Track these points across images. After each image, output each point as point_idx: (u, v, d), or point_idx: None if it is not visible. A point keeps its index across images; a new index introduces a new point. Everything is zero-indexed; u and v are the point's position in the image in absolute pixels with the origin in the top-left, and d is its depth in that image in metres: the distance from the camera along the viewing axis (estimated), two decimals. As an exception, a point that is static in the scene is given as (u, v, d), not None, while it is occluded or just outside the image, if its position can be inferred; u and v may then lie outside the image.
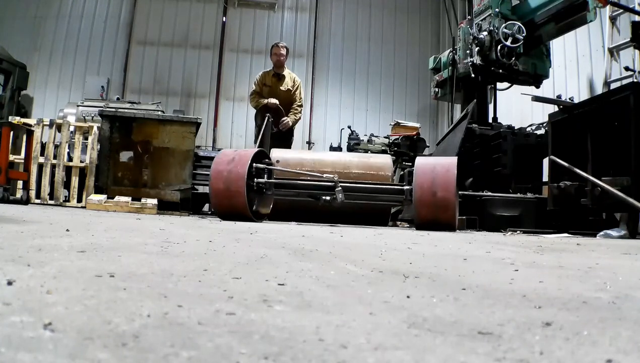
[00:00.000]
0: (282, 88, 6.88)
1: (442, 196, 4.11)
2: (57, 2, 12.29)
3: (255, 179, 4.61)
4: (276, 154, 5.48)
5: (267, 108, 6.58)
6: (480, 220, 5.50)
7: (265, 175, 4.76)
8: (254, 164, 4.52)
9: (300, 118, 7.10)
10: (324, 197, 4.58)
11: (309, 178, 4.91)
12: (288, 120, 6.77)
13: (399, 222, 6.45)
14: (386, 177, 5.41)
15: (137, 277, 0.84)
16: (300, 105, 7.08)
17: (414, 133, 8.91)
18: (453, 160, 4.46)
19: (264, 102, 6.68)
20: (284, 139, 6.88)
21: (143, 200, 5.97)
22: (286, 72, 7.03)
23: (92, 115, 8.29)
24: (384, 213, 5.78)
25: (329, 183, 4.61)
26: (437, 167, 4.31)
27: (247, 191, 4.37)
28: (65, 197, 6.88)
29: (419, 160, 4.51)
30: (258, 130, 6.44)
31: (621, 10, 6.69)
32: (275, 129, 6.62)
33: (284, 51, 6.93)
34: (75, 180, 6.77)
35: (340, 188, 4.54)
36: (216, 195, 4.44)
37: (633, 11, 6.18)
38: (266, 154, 4.91)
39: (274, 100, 6.64)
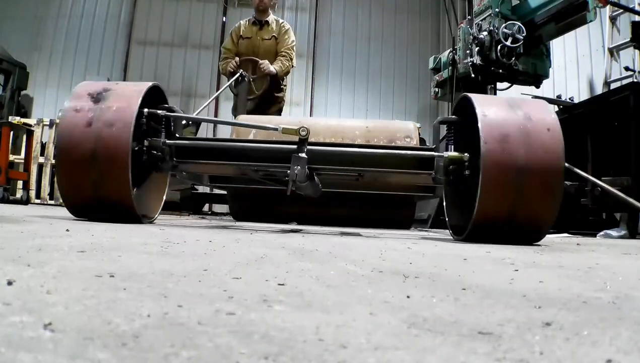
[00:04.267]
0: (264, 37, 5.13)
1: (543, 162, 2.19)
2: (57, 2, 12.29)
3: (147, 140, 2.61)
4: (243, 119, 3.75)
5: (239, 65, 4.93)
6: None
7: (163, 133, 2.69)
8: (145, 110, 2.50)
9: (289, 68, 5.13)
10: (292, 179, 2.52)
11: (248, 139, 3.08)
12: (268, 64, 4.91)
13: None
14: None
15: (137, 277, 0.84)
16: (289, 52, 5.12)
17: (414, 133, 8.90)
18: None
19: (234, 61, 4.95)
20: (268, 102, 5.06)
21: (143, 200, 5.96)
22: (271, 17, 5.25)
23: (92, 115, 8.28)
24: (405, 210, 4.04)
25: (291, 147, 2.55)
26: (526, 109, 2.37)
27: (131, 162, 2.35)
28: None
29: (478, 96, 2.52)
30: (236, 98, 4.91)
31: (621, 10, 6.69)
32: (255, 93, 4.95)
33: None
34: (75, 180, 6.77)
35: (303, 155, 2.46)
36: (68, 167, 2.40)
37: (633, 11, 6.18)
38: (164, 95, 2.79)
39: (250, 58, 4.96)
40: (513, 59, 6.35)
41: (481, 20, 6.64)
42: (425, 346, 0.51)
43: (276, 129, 2.54)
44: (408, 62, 13.27)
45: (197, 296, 0.71)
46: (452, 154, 2.62)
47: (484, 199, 2.24)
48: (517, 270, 1.25)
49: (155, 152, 2.68)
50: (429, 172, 2.68)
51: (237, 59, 5.01)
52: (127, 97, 2.46)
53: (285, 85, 5.34)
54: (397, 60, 13.29)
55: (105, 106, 2.42)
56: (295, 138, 2.55)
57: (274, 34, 5.16)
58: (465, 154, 2.56)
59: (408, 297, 0.80)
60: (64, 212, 3.04)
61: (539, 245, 2.43)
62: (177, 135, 2.84)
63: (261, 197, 3.99)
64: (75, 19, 12.35)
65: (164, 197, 3.04)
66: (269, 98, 5.11)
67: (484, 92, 6.99)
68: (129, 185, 2.37)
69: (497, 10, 6.42)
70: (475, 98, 2.44)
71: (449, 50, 7.56)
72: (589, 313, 0.72)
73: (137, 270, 0.93)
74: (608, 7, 6.39)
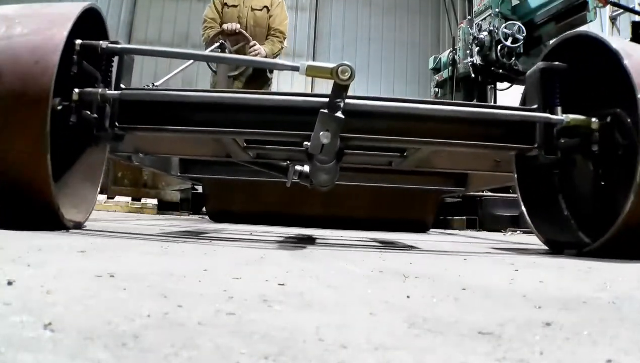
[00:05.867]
0: (254, 6, 4.36)
1: None
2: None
3: (76, 90, 1.64)
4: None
5: (223, 36, 4.13)
6: (480, 220, 5.50)
7: (100, 81, 1.76)
8: (78, 41, 1.64)
9: (280, 51, 4.44)
10: (297, 167, 1.96)
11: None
12: (260, 48, 4.18)
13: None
14: None
15: (137, 277, 0.84)
16: (283, 33, 4.43)
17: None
18: None
19: (218, 30, 4.22)
20: (260, 83, 4.31)
21: (143, 200, 5.99)
22: None
23: (92, 115, 8.28)
24: (427, 210, 3.51)
25: (317, 100, 1.64)
26: None
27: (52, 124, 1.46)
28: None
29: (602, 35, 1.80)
30: (214, 75, 4.17)
31: (621, 10, 6.70)
32: (237, 69, 4.14)
33: None
34: (75, 180, 6.78)
35: (339, 115, 1.55)
36: None
37: (633, 11, 6.19)
38: (104, 27, 1.85)
39: (232, 25, 4.17)
40: (513, 58, 6.36)
41: (481, 20, 6.65)
42: (425, 346, 0.51)
43: (297, 68, 1.61)
44: (408, 62, 13.28)
45: (197, 296, 0.71)
46: (574, 117, 1.70)
47: None
48: (517, 270, 1.25)
49: (88, 112, 1.66)
50: (527, 147, 1.79)
51: (231, 24, 4.19)
52: (48, 21, 1.55)
53: None
54: (397, 59, 13.29)
55: (13, 34, 1.50)
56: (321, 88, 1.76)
57: (266, 5, 4.37)
58: (594, 119, 1.70)
59: (408, 297, 0.80)
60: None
61: (540, 245, 2.41)
62: (122, 86, 1.79)
63: (248, 192, 3.36)
64: (75, 19, 12.35)
65: (99, 189, 2.03)
66: (260, 77, 4.30)
67: (484, 92, 7.00)
68: (47, 166, 1.46)
69: (497, 10, 6.43)
70: (606, 37, 1.71)
71: (449, 50, 7.57)
72: (589, 313, 0.71)
73: (137, 270, 0.93)
74: (608, 7, 6.39)
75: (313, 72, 1.61)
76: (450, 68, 7.21)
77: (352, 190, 3.02)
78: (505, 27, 6.24)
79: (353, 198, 3.41)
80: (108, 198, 5.90)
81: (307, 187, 2.00)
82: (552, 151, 1.75)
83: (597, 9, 5.76)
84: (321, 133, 1.54)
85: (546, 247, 1.95)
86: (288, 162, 2.00)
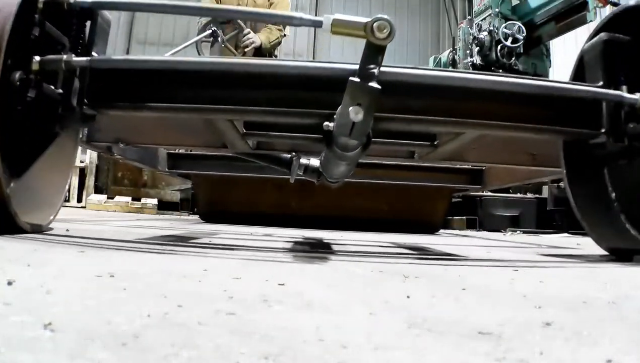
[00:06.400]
0: None
1: None
2: (57, 2, 12.28)
3: (36, 58, 1.29)
4: None
5: (216, 24, 3.88)
6: (480, 220, 5.51)
7: (68, 50, 1.43)
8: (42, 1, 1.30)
9: (279, 39, 4.14)
10: (302, 161, 1.79)
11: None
12: (254, 37, 3.93)
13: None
14: None
15: (137, 277, 0.84)
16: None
17: (414, 133, 8.88)
18: None
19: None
20: None
21: (143, 200, 5.99)
22: None
23: (92, 115, 8.28)
24: (436, 209, 3.31)
25: (342, 68, 1.31)
26: None
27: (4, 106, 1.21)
28: (65, 197, 6.89)
29: None
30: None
31: (621, 10, 6.69)
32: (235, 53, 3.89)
33: None
34: (75, 180, 6.78)
35: (373, 85, 1.17)
36: None
37: (633, 11, 6.17)
38: None
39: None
40: (513, 59, 6.36)
41: (481, 20, 6.66)
42: (425, 346, 0.51)
43: (319, 24, 1.31)
44: (408, 61, 13.27)
45: (197, 296, 0.71)
46: (632, 96, 1.42)
47: None
48: (516, 270, 1.25)
49: (52, 87, 1.35)
50: (593, 132, 1.48)
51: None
52: None
53: (276, 56, 4.30)
54: (397, 60, 13.29)
55: None
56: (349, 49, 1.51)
57: None
58: None
59: (408, 297, 0.80)
60: (65, 212, 2.98)
61: (540, 245, 2.43)
62: (95, 54, 1.51)
63: (245, 190, 3.12)
64: (75, 19, 12.35)
65: (67, 185, 1.77)
66: None
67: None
68: None
69: (497, 10, 6.44)
70: None
71: (449, 50, 7.58)
72: (589, 313, 0.71)
73: (137, 270, 0.93)
74: (608, 7, 6.40)
75: (340, 29, 1.30)
76: (450, 68, 7.22)
77: (359, 189, 2.81)
78: (505, 27, 6.25)
79: (359, 198, 3.19)
80: (108, 198, 5.91)
81: (314, 183, 1.77)
82: (620, 138, 1.44)
83: (597, 9, 5.76)
84: (351, 108, 1.17)
85: (604, 254, 1.71)
86: (293, 153, 1.75)
